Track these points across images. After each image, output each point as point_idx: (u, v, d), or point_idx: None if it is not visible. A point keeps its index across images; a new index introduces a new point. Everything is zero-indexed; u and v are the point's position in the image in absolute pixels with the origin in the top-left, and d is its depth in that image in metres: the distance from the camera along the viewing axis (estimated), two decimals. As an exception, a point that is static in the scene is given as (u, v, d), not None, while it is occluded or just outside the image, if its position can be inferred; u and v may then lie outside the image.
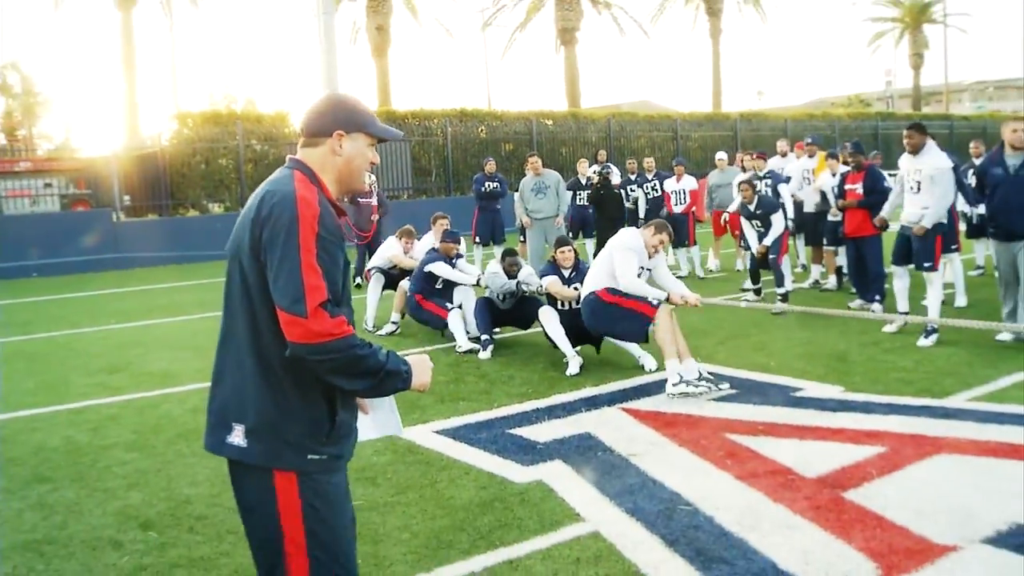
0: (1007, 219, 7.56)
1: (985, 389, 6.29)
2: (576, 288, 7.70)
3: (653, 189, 13.02)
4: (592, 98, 79.77)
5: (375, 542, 4.12)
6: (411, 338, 9.24)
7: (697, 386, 6.38)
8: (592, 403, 6.41)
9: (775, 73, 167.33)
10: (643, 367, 7.27)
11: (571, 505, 4.47)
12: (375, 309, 9.96)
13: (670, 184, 13.03)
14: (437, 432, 5.84)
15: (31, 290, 15.48)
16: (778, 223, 10.18)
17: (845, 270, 10.65)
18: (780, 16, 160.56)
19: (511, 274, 8.32)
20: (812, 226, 11.46)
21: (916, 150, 8.02)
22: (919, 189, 8.01)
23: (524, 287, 8.10)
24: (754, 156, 12.31)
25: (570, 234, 14.25)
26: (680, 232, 12.94)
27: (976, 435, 5.28)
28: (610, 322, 6.94)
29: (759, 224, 10.25)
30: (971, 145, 11.47)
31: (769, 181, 11.42)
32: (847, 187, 9.52)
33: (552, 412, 6.22)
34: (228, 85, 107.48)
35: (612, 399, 6.49)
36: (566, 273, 7.86)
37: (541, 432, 5.75)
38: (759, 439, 5.41)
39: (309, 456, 2.30)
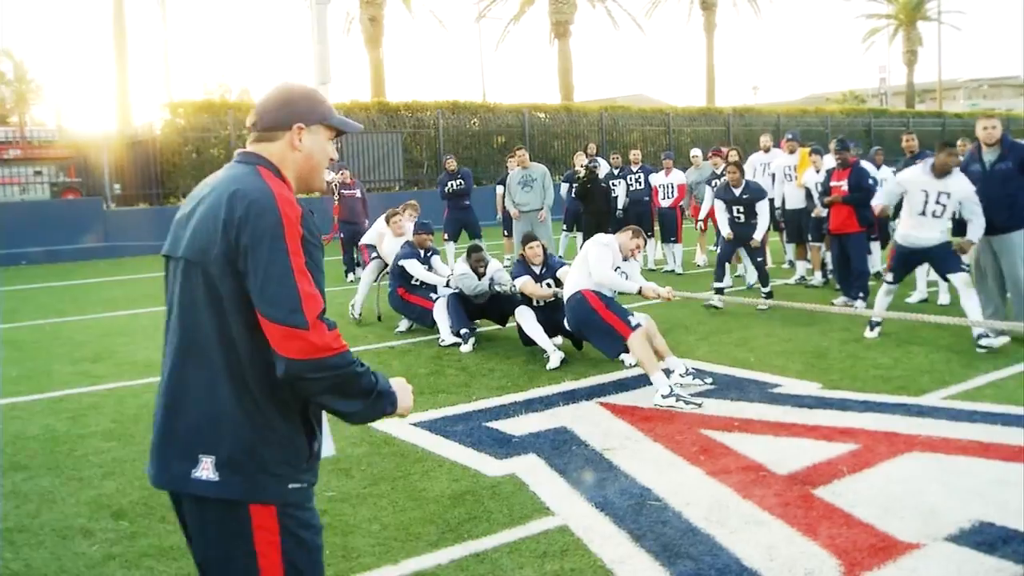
0: (986, 213, 7.67)
1: (961, 388, 6.33)
2: (549, 285, 7.75)
3: (636, 181, 12.99)
4: (588, 91, 79.95)
5: (344, 533, 4.14)
6: (393, 330, 9.25)
7: (688, 400, 6.07)
8: (570, 397, 6.44)
9: (771, 68, 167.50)
10: (623, 363, 7.25)
11: (542, 499, 4.50)
12: (364, 298, 9.88)
13: (658, 178, 13.03)
14: (414, 424, 5.86)
15: (20, 278, 15.45)
16: (764, 214, 9.84)
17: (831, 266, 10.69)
18: (775, 11, 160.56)
19: (478, 271, 8.28)
20: (795, 222, 11.48)
21: (945, 172, 7.63)
22: (942, 213, 7.65)
23: (497, 287, 8.09)
24: (711, 153, 12.29)
25: (564, 227, 14.28)
26: (667, 227, 12.98)
27: (948, 433, 5.31)
28: (589, 331, 6.86)
29: (740, 210, 9.85)
30: (958, 143, 11.49)
31: (641, 175, 11.66)
32: (832, 184, 9.58)
33: (530, 405, 6.25)
34: (223, 74, 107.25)
35: (591, 393, 6.52)
36: (537, 270, 7.83)
37: (517, 426, 5.77)
38: (734, 435, 5.44)
39: (290, 485, 2.12)
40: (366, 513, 4.39)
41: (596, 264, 6.79)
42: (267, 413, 2.08)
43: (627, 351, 6.60)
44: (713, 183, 11.56)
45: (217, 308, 2.06)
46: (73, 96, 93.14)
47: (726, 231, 9.91)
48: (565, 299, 7.05)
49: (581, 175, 12.79)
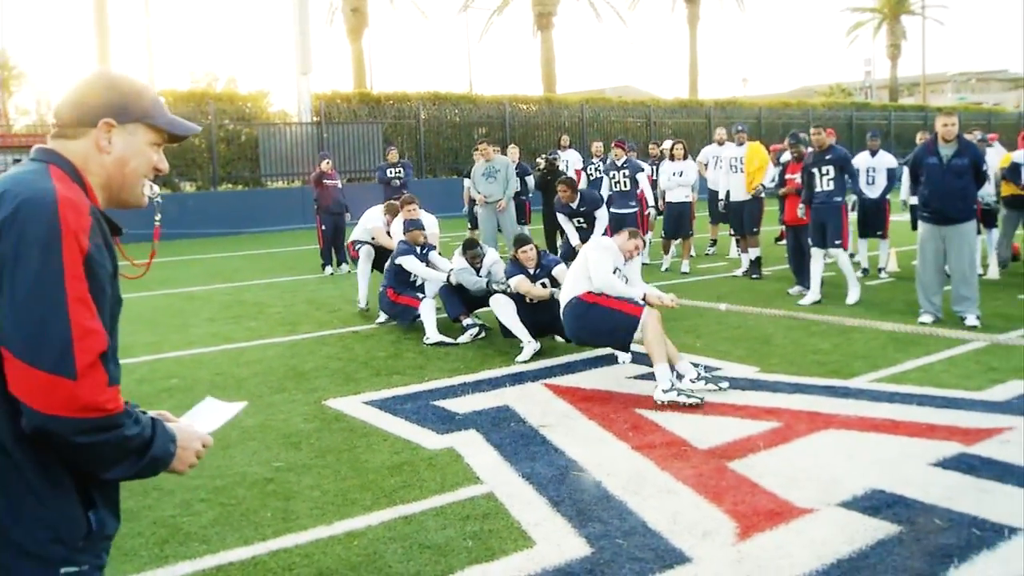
0: (941, 204, 8.12)
1: (889, 371, 6.66)
2: (545, 285, 7.72)
3: (596, 170, 13.24)
4: (575, 82, 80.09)
5: (287, 499, 4.46)
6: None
7: (690, 395, 5.94)
8: (518, 379, 6.75)
9: (761, 61, 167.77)
10: (618, 359, 7.21)
11: (474, 469, 4.82)
12: (367, 288, 9.67)
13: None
14: (366, 403, 6.18)
15: None
16: (602, 219, 9.81)
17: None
18: (762, 4, 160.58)
19: (475, 266, 8.26)
20: (739, 215, 11.76)
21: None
22: None
23: (495, 286, 7.96)
24: (614, 145, 12.23)
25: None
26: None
27: (866, 412, 5.65)
28: (594, 329, 6.56)
29: (580, 221, 9.89)
30: (917, 135, 11.83)
31: (627, 171, 11.62)
32: (788, 176, 9.93)
33: (478, 386, 6.56)
34: (210, 64, 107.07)
35: (537, 375, 6.84)
36: (531, 271, 7.79)
37: (463, 404, 6.09)
38: (664, 413, 5.77)
39: (62, 570, 1.69)
40: (309, 481, 4.71)
41: (596, 268, 6.48)
42: (25, 475, 1.65)
43: (631, 338, 6.35)
44: (612, 175, 11.85)
45: None
46: (56, 84, 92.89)
47: (575, 240, 9.82)
48: (562, 306, 6.75)
49: (541, 167, 13.08)
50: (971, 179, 8.18)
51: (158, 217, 2.04)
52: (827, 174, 9.46)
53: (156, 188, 1.98)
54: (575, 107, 28.51)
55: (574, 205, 9.80)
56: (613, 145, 12.09)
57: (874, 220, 11.29)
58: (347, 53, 34.57)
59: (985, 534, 3.85)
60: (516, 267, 7.85)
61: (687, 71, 41.21)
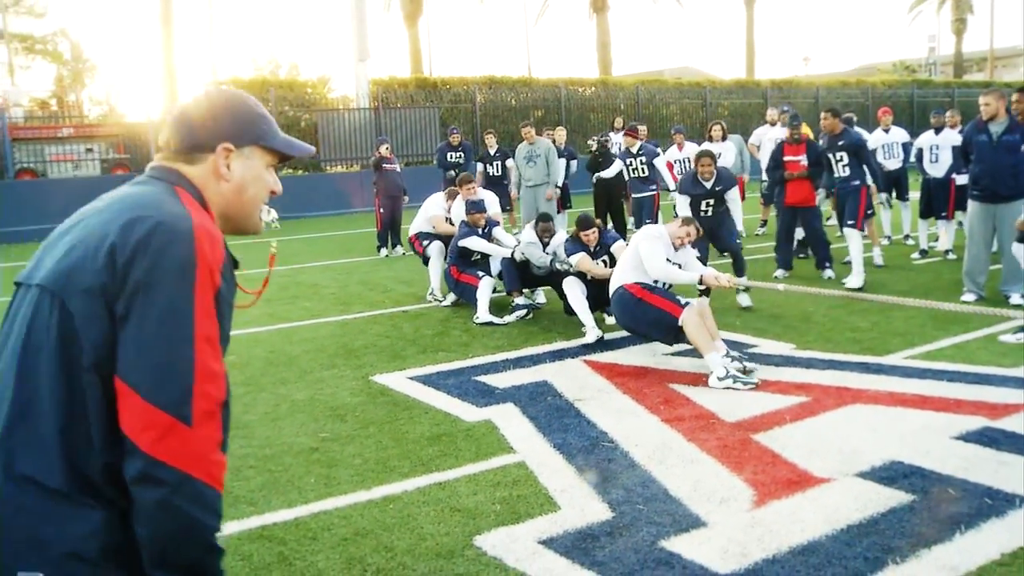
0: (992, 182, 8.16)
1: (925, 349, 6.74)
2: (605, 263, 7.68)
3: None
4: (634, 65, 79.45)
5: (330, 466, 4.75)
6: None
7: (746, 380, 5.95)
8: (558, 356, 6.97)
9: (823, 39, 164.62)
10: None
11: (508, 440, 5.06)
12: (439, 279, 9.48)
13: (672, 153, 13.21)
14: (411, 378, 6.46)
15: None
16: (734, 202, 8.95)
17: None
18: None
19: (544, 240, 8.22)
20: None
21: None
22: None
23: (558, 264, 7.93)
24: (626, 133, 11.93)
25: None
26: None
27: (895, 388, 5.75)
28: (638, 323, 6.65)
29: (708, 203, 8.81)
30: (947, 113, 11.60)
31: (644, 158, 11.49)
32: (787, 158, 9.80)
33: (519, 363, 6.80)
34: (272, 51, 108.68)
35: (577, 352, 7.05)
36: (592, 248, 7.76)
37: (503, 379, 6.33)
38: (697, 388, 5.94)
39: None
40: (352, 450, 4.99)
41: (649, 258, 6.57)
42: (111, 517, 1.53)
43: (682, 334, 6.31)
44: (628, 161, 11.65)
45: (67, 361, 1.51)
46: (125, 75, 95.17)
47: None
48: (611, 290, 6.86)
49: (593, 149, 13.15)
50: (1023, 156, 8.16)
51: (274, 244, 1.97)
52: (841, 160, 9.41)
53: (273, 213, 1.96)
54: (630, 89, 28.50)
55: (709, 185, 8.71)
56: (625, 133, 11.92)
57: (938, 201, 11.03)
58: (404, 39, 34.96)
59: (996, 503, 3.98)
60: (577, 245, 7.81)
61: (744, 51, 40.81)
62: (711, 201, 8.76)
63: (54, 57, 49.23)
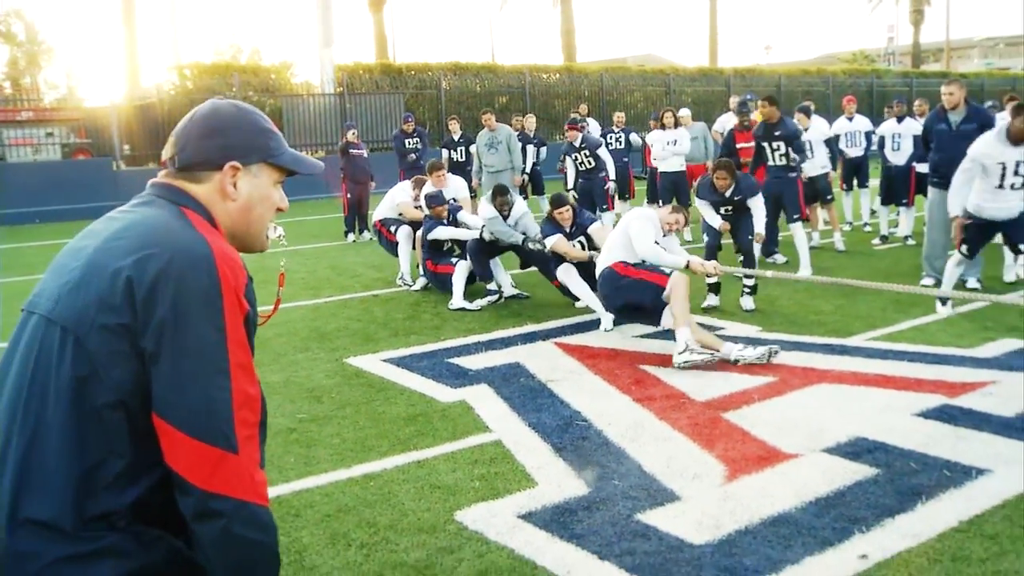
0: (951, 170, 8.29)
1: (886, 331, 6.92)
2: (582, 244, 7.67)
3: (616, 140, 13.38)
4: (598, 51, 79.64)
5: (309, 446, 4.82)
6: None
7: (701, 351, 6.10)
8: (529, 338, 7.07)
9: (785, 28, 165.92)
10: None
11: (484, 420, 5.16)
12: (408, 263, 9.52)
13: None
14: (384, 360, 6.53)
15: (34, 236, 16.14)
16: (758, 210, 8.20)
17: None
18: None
19: (503, 213, 8.20)
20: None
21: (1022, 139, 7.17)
22: (1022, 184, 7.24)
23: (531, 244, 7.94)
24: (566, 128, 11.81)
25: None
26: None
27: (858, 368, 5.93)
28: (626, 298, 6.66)
29: (728, 209, 8.21)
30: (915, 103, 11.88)
31: (587, 150, 11.46)
32: (739, 145, 9.92)
33: (491, 345, 6.89)
34: (234, 36, 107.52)
35: (548, 334, 7.15)
36: (567, 229, 7.70)
37: (476, 361, 6.42)
38: (666, 369, 6.07)
39: None
40: (330, 431, 5.06)
41: (639, 238, 6.58)
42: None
43: (661, 309, 6.38)
44: (574, 156, 11.64)
45: (80, 399, 1.46)
46: (83, 58, 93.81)
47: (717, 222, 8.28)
48: (598, 272, 6.91)
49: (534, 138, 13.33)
50: None
51: (283, 263, 1.81)
52: (778, 149, 9.47)
53: (280, 230, 1.94)
54: (595, 76, 28.60)
55: (728, 193, 8.04)
56: (567, 128, 11.76)
57: (899, 188, 11.18)
58: (369, 24, 34.79)
59: (955, 475, 4.14)
60: (553, 226, 7.73)
61: (707, 39, 41.11)
62: (730, 208, 8.21)
63: (7, 38, 48.43)
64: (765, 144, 9.56)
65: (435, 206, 8.79)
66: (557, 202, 7.80)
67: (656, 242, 6.67)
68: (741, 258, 8.40)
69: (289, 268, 10.88)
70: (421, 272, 9.19)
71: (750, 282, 7.99)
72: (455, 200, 9.35)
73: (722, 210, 8.27)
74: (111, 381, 1.45)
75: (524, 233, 8.14)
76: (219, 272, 1.49)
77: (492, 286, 8.46)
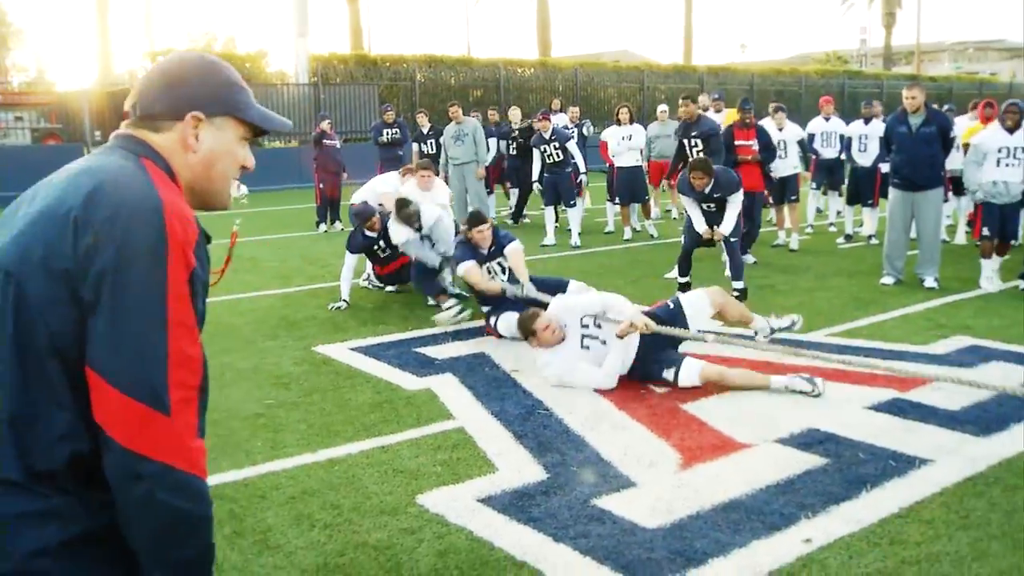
0: (911, 171, 8.59)
1: (844, 327, 7.10)
2: (500, 265, 7.18)
3: (573, 133, 13.43)
4: (574, 46, 79.72)
5: (276, 431, 4.92)
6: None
7: (780, 320, 6.59)
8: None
9: (760, 27, 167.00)
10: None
11: (448, 407, 5.27)
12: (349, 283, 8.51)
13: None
14: (352, 349, 6.63)
15: None
16: (735, 205, 8.27)
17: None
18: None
19: (412, 226, 7.66)
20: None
21: (1017, 126, 8.38)
22: (1018, 164, 8.40)
23: (447, 272, 7.65)
24: (539, 118, 11.88)
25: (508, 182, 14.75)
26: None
27: (812, 362, 6.06)
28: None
29: (710, 206, 8.30)
30: (873, 103, 12.01)
31: (556, 143, 11.58)
32: (738, 143, 10.10)
33: (457, 335, 7.01)
34: (209, 23, 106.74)
35: (515, 327, 7.26)
36: (485, 251, 7.16)
37: (442, 351, 6.53)
38: (629, 361, 6.19)
39: None
40: (297, 416, 5.16)
41: (582, 382, 5.64)
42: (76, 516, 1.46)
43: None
44: (543, 148, 11.68)
45: (24, 346, 1.43)
46: (54, 42, 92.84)
47: (702, 227, 8.35)
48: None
49: (514, 131, 13.45)
50: (939, 147, 8.58)
51: (238, 222, 1.85)
52: (696, 146, 9.68)
53: (244, 188, 1.86)
54: (569, 71, 28.78)
55: (707, 191, 8.11)
56: (539, 117, 11.87)
57: (865, 188, 11.36)
58: (344, 15, 34.73)
59: (899, 465, 4.31)
60: (467, 251, 7.10)
61: (683, 37, 41.36)
62: (711, 205, 8.29)
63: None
64: (685, 141, 9.97)
65: (370, 218, 8.14)
66: (475, 220, 7.18)
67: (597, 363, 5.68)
68: (725, 257, 8.52)
69: (259, 258, 10.92)
70: (368, 279, 8.96)
71: (739, 284, 8.27)
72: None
73: (704, 206, 8.34)
74: (48, 329, 1.40)
75: (443, 255, 7.63)
76: (167, 225, 1.43)
77: (450, 302, 7.56)
